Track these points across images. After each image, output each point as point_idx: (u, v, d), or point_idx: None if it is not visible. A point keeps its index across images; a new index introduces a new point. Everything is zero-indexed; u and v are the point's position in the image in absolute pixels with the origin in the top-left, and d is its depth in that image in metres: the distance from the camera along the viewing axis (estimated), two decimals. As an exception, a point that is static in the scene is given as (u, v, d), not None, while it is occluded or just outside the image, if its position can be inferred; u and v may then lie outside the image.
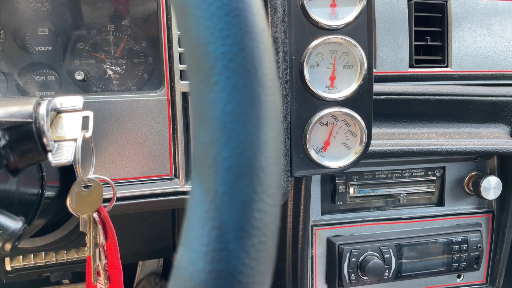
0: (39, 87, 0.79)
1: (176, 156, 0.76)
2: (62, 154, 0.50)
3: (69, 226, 0.85)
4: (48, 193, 0.63)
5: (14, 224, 0.45)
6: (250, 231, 0.24)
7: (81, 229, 0.56)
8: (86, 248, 0.97)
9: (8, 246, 0.45)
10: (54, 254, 0.95)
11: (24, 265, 0.94)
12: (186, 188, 0.76)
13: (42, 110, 0.49)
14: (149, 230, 0.97)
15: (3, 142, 0.46)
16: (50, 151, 0.49)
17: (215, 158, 0.24)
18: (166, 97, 0.74)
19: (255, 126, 0.24)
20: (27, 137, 0.48)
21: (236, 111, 0.24)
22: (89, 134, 0.53)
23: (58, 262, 0.95)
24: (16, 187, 0.51)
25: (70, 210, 0.56)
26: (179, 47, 0.71)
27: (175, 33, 0.71)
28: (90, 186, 0.57)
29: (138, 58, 0.82)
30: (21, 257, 0.94)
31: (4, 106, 0.48)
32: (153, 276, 1.40)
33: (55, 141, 0.50)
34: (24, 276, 1.00)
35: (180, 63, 0.72)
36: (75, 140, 0.51)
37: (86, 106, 0.60)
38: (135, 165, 0.75)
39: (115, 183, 0.68)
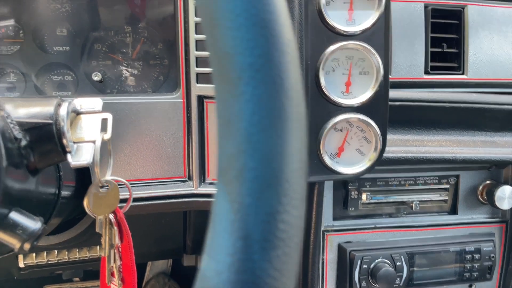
0: (57, 87, 0.80)
1: (190, 159, 0.76)
2: (81, 156, 0.50)
3: (82, 225, 0.85)
4: (64, 193, 0.64)
5: (34, 224, 0.46)
6: (275, 242, 0.24)
7: (97, 230, 0.57)
8: (98, 247, 0.98)
9: (27, 246, 0.45)
10: (66, 252, 0.96)
11: (37, 262, 0.95)
12: (200, 190, 0.76)
13: (63, 111, 0.49)
14: (160, 231, 0.98)
15: (24, 142, 0.47)
16: (70, 152, 0.50)
17: (241, 169, 0.24)
18: (182, 100, 0.75)
19: (281, 138, 0.24)
20: (48, 138, 0.48)
21: (262, 122, 0.24)
22: (107, 136, 0.53)
23: (70, 260, 0.96)
24: (34, 187, 0.52)
25: (87, 211, 0.57)
26: (196, 50, 0.72)
27: (192, 36, 0.72)
28: (107, 187, 0.58)
29: (154, 60, 0.83)
30: (34, 254, 0.95)
31: (25, 107, 0.49)
32: (162, 276, 1.41)
33: (74, 142, 0.51)
34: (37, 273, 1.01)
35: (197, 67, 0.72)
36: (93, 142, 0.51)
37: (102, 107, 0.60)
38: (149, 167, 0.75)
39: (129, 184, 0.69)
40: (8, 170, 0.44)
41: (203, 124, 0.76)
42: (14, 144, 0.46)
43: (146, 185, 0.75)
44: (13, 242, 0.45)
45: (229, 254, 0.23)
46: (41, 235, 0.47)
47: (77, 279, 1.34)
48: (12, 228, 0.45)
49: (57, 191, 0.61)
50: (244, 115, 0.24)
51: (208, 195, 0.76)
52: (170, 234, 1.01)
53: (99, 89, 0.80)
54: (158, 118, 0.75)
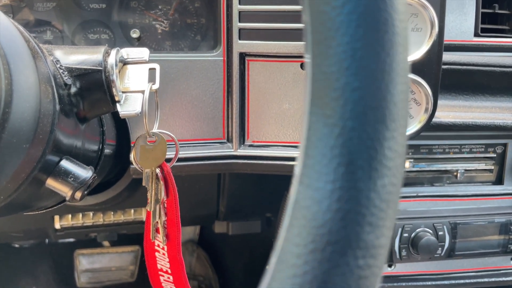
0: (93, 45, 0.78)
1: (230, 120, 0.74)
2: (129, 106, 0.48)
3: (118, 187, 0.85)
4: (106, 151, 0.63)
5: (85, 172, 0.44)
6: (382, 171, 0.21)
7: (143, 184, 0.55)
8: (132, 211, 0.98)
9: (78, 195, 0.44)
10: (101, 215, 0.96)
11: (72, 224, 0.96)
12: (240, 152, 0.74)
13: (111, 59, 0.47)
14: (194, 196, 0.97)
15: (73, 89, 0.46)
16: (118, 101, 0.48)
17: (342, 89, 0.21)
18: (222, 58, 0.72)
19: (389, 55, 0.22)
20: (97, 86, 0.47)
21: (368, 36, 0.22)
22: (156, 86, 0.51)
23: (105, 223, 0.97)
24: (81, 141, 0.51)
25: (134, 164, 0.56)
26: (240, 4, 0.68)
27: (236, -11, 0.68)
28: (154, 140, 0.56)
29: (192, 19, 0.80)
30: (70, 216, 0.96)
31: (74, 54, 0.47)
32: (190, 244, 1.42)
33: (122, 92, 0.49)
34: (72, 235, 1.02)
35: (240, 22, 0.69)
36: (142, 92, 0.49)
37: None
38: (188, 127, 0.74)
39: (168, 145, 0.67)
40: (60, 117, 0.42)
41: (244, 84, 0.73)
42: (64, 91, 0.44)
43: (184, 146, 0.73)
44: (65, 190, 0.44)
45: (329, 182, 0.21)
46: (91, 185, 0.46)
47: (107, 244, 1.36)
48: (64, 176, 0.44)
49: (100, 147, 0.59)
50: (347, 28, 0.22)
51: (248, 157, 0.74)
52: (203, 199, 1.00)
53: (136, 47, 0.78)
54: (197, 77, 0.72)
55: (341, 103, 0.21)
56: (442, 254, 0.84)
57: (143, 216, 0.98)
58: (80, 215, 0.95)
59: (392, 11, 0.22)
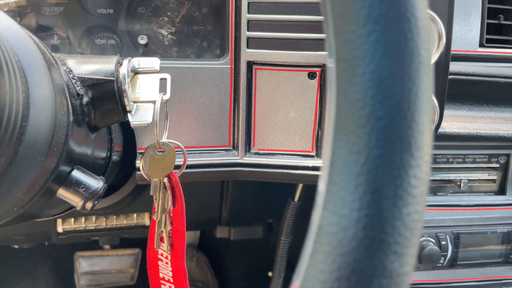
0: (100, 51, 0.78)
1: (236, 128, 0.74)
2: (140, 116, 0.48)
3: (123, 192, 0.85)
4: (114, 158, 0.63)
5: (96, 183, 0.44)
6: (407, 199, 0.21)
7: (151, 193, 0.55)
8: (135, 215, 0.98)
9: (89, 205, 0.44)
10: (104, 219, 0.96)
11: (75, 227, 0.96)
12: (245, 160, 0.74)
13: (124, 70, 0.47)
14: (197, 201, 0.97)
15: (86, 99, 0.46)
16: (130, 111, 0.48)
17: (368, 117, 0.22)
18: (230, 66, 0.72)
19: (415, 85, 0.22)
20: (108, 96, 0.47)
21: (393, 66, 0.22)
22: (167, 96, 0.51)
23: (107, 227, 0.97)
24: (91, 149, 0.51)
25: (142, 173, 0.56)
26: (248, 12, 0.68)
27: (245, -2, 0.69)
28: (163, 150, 0.56)
29: (198, 26, 0.80)
30: (72, 219, 0.96)
31: (86, 63, 0.47)
32: (190, 248, 1.42)
33: (133, 102, 0.49)
34: (74, 239, 1.02)
35: (248, 30, 0.69)
36: (153, 102, 0.49)
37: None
38: (194, 134, 0.74)
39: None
40: (73, 128, 0.42)
41: (251, 92, 0.73)
42: (77, 101, 0.44)
43: (190, 153, 0.73)
44: (76, 201, 0.44)
45: (355, 209, 0.21)
46: (101, 195, 0.46)
47: (107, 247, 1.35)
48: (75, 186, 0.44)
49: (108, 154, 0.60)
50: (373, 57, 0.22)
51: (254, 165, 0.74)
52: (206, 204, 1.00)
53: (143, 53, 0.78)
54: (204, 85, 0.72)
55: (366, 131, 0.22)
56: (445, 263, 0.84)
57: (145, 221, 0.98)
58: (83, 219, 0.95)
59: (418, 40, 0.22)
